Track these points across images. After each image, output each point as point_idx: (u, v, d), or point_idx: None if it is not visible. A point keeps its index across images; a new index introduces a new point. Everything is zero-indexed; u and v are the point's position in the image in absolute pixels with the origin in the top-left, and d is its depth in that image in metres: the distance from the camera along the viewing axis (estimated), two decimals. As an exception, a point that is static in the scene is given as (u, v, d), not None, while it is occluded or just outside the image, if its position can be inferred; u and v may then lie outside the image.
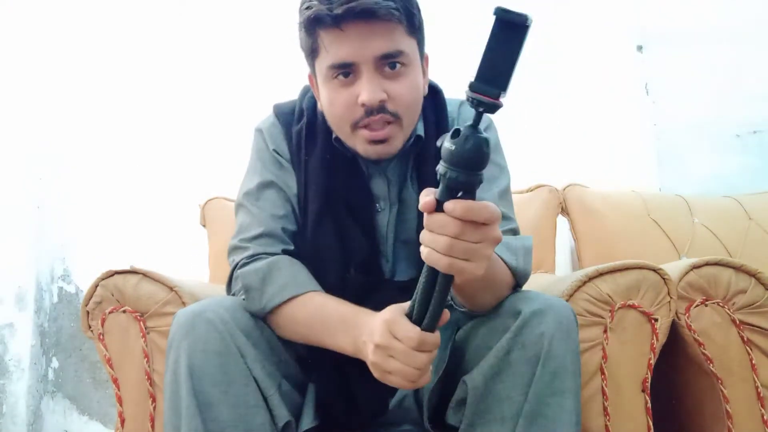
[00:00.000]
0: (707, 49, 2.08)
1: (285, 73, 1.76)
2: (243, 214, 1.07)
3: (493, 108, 0.62)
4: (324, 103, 1.00)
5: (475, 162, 0.64)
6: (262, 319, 0.98)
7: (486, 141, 0.64)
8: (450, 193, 0.66)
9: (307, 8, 0.94)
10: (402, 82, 0.96)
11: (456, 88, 1.16)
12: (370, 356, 0.82)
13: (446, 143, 0.64)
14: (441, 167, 0.65)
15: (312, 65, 1.01)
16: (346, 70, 0.95)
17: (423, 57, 1.02)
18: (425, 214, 0.69)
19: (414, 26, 0.97)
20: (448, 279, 0.71)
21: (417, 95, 1.00)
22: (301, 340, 0.98)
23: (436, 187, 0.68)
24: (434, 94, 1.09)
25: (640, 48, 2.15)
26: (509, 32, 0.59)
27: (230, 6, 2.20)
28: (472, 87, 0.61)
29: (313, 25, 0.94)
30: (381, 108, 0.95)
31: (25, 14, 2.14)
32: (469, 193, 0.66)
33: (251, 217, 1.05)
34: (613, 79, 2.12)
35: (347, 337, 0.90)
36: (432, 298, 0.73)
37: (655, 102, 2.12)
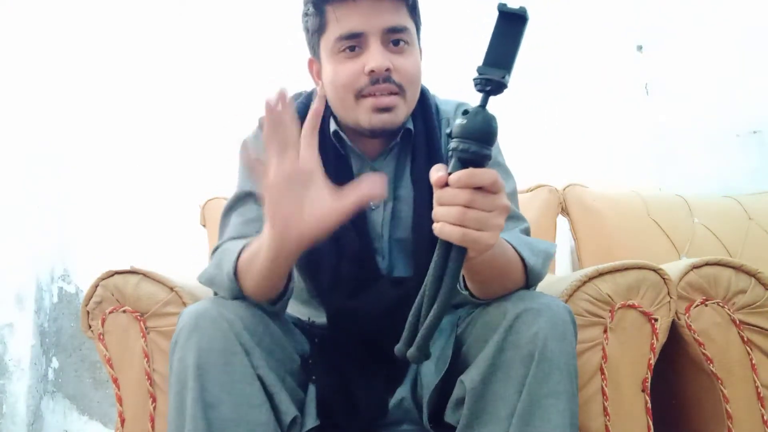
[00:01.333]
0: (707, 49, 2.08)
1: (285, 75, 1.76)
2: (220, 228, 1.08)
3: (500, 87, 0.67)
4: (328, 79, 1.01)
5: (485, 134, 0.67)
6: (244, 298, 0.95)
7: (494, 117, 0.67)
8: (461, 167, 0.69)
9: None
10: (406, 58, 1.00)
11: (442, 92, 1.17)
12: None
13: (457, 120, 0.68)
14: (452, 143, 0.68)
15: (317, 45, 1.03)
16: (353, 43, 0.97)
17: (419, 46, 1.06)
18: (436, 190, 0.70)
19: (414, 10, 1.01)
20: (462, 253, 0.70)
21: (419, 73, 1.03)
22: (269, 286, 0.93)
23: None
24: (421, 92, 1.09)
25: (640, 48, 2.14)
26: (511, 24, 0.66)
27: (230, 7, 2.20)
28: (480, 70, 0.67)
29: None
30: (387, 78, 0.97)
31: (25, 14, 2.14)
32: (479, 168, 0.69)
33: (223, 228, 1.07)
34: (613, 79, 2.12)
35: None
36: (444, 276, 0.71)
37: (655, 102, 2.12)
